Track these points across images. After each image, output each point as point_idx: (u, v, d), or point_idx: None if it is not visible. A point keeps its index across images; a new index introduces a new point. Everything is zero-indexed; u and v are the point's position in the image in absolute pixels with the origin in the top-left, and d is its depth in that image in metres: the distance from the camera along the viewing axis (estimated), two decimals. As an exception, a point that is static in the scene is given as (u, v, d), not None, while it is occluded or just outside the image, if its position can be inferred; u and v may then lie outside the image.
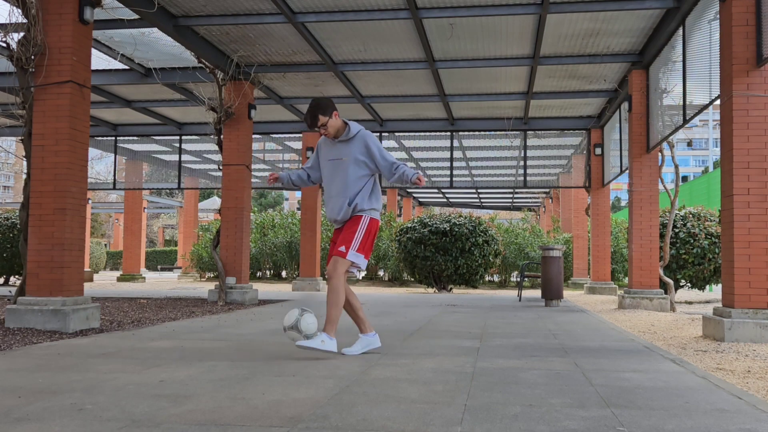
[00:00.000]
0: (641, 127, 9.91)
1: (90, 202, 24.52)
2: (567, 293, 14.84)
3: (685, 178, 47.88)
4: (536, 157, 18.37)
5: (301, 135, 15.70)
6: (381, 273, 21.34)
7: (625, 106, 10.97)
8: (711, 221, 11.69)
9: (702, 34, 7.53)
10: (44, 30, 6.44)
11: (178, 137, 16.32)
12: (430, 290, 16.02)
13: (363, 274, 21.90)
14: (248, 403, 3.11)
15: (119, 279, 20.43)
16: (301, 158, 17.07)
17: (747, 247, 5.90)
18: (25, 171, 6.76)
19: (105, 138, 16.51)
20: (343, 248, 4.56)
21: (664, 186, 10.29)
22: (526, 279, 15.57)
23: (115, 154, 16.98)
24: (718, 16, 6.53)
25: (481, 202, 32.10)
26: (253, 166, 17.60)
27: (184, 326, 6.69)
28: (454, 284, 15.86)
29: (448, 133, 15.36)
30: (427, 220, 15.75)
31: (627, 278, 15.39)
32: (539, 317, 8.24)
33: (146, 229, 39.06)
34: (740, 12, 5.97)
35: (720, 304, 6.66)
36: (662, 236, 10.67)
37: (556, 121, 14.59)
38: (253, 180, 17.97)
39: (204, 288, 15.88)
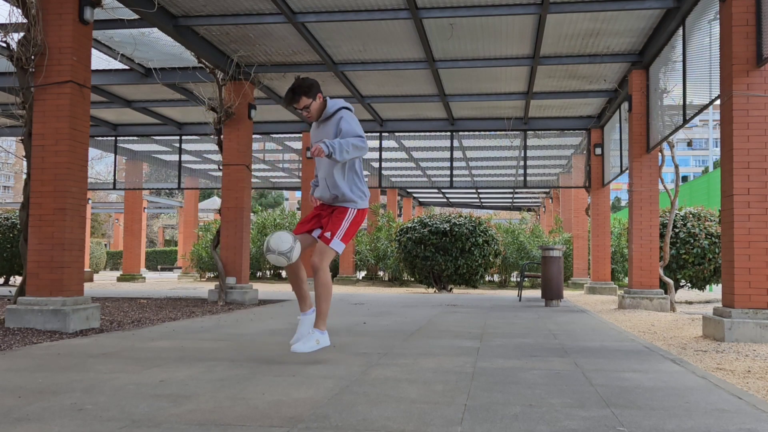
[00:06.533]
0: (641, 127, 9.91)
1: (90, 202, 24.52)
2: (567, 293, 14.84)
3: (685, 178, 47.88)
4: (536, 157, 18.37)
5: (301, 135, 15.70)
6: (381, 273, 21.33)
7: (625, 106, 10.97)
8: (711, 221, 11.69)
9: (702, 34, 7.53)
10: (44, 30, 6.44)
11: (178, 137, 16.32)
12: (430, 290, 16.01)
13: (363, 274, 21.90)
14: (248, 403, 3.11)
15: (119, 279, 20.43)
16: (300, 158, 17.07)
17: (747, 247, 5.90)
18: (25, 171, 6.76)
19: (105, 138, 16.51)
20: (328, 234, 4.41)
21: (664, 186, 10.28)
22: (526, 279, 15.57)
23: (115, 154, 16.98)
24: (718, 16, 6.53)
25: (481, 202, 32.09)
26: (253, 166, 17.60)
27: (184, 326, 6.69)
28: (454, 284, 15.86)
29: (448, 133, 15.36)
30: (427, 220, 15.74)
31: (627, 278, 15.39)
32: (539, 317, 8.24)
33: (146, 229, 39.07)
34: (740, 12, 5.97)
35: (720, 304, 6.66)
36: (662, 236, 10.67)
37: (556, 121, 14.59)
38: (253, 180, 17.97)
39: (204, 288, 15.88)
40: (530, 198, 30.43)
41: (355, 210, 4.51)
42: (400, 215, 27.84)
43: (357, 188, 4.51)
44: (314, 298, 4.46)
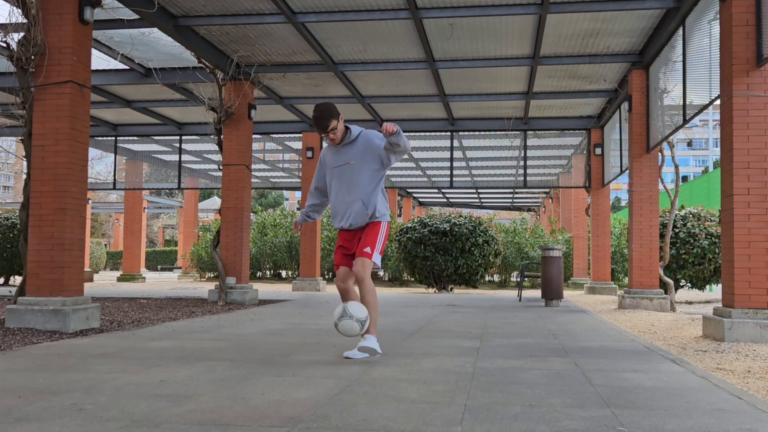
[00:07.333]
0: (641, 127, 9.91)
1: (90, 202, 24.51)
2: (567, 293, 14.84)
3: (685, 178, 47.88)
4: (536, 157, 18.37)
5: (301, 135, 15.70)
6: (381, 273, 21.33)
7: (625, 106, 10.96)
8: (711, 221, 11.69)
9: (702, 34, 7.53)
10: (44, 30, 6.44)
11: (178, 137, 16.32)
12: (430, 290, 16.01)
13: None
14: (248, 403, 3.11)
15: (119, 279, 20.43)
16: (301, 158, 17.05)
17: (747, 247, 5.90)
18: (25, 171, 6.76)
19: (105, 138, 16.51)
20: (368, 249, 4.63)
21: (664, 186, 10.28)
22: (526, 279, 15.57)
23: (115, 154, 16.98)
24: (718, 16, 6.53)
25: (481, 202, 32.09)
26: (253, 166, 17.60)
27: (184, 326, 6.69)
28: (454, 284, 15.85)
29: (448, 133, 15.36)
30: (427, 220, 15.74)
31: (627, 278, 15.39)
32: (539, 317, 8.24)
33: (146, 229, 39.05)
34: (740, 12, 5.97)
35: (720, 304, 6.66)
36: (662, 236, 10.67)
37: (556, 121, 14.59)
38: (253, 180, 17.97)
39: (204, 288, 15.88)
40: (530, 198, 30.42)
41: (386, 223, 4.77)
42: (400, 215, 27.84)
43: (385, 205, 4.81)
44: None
